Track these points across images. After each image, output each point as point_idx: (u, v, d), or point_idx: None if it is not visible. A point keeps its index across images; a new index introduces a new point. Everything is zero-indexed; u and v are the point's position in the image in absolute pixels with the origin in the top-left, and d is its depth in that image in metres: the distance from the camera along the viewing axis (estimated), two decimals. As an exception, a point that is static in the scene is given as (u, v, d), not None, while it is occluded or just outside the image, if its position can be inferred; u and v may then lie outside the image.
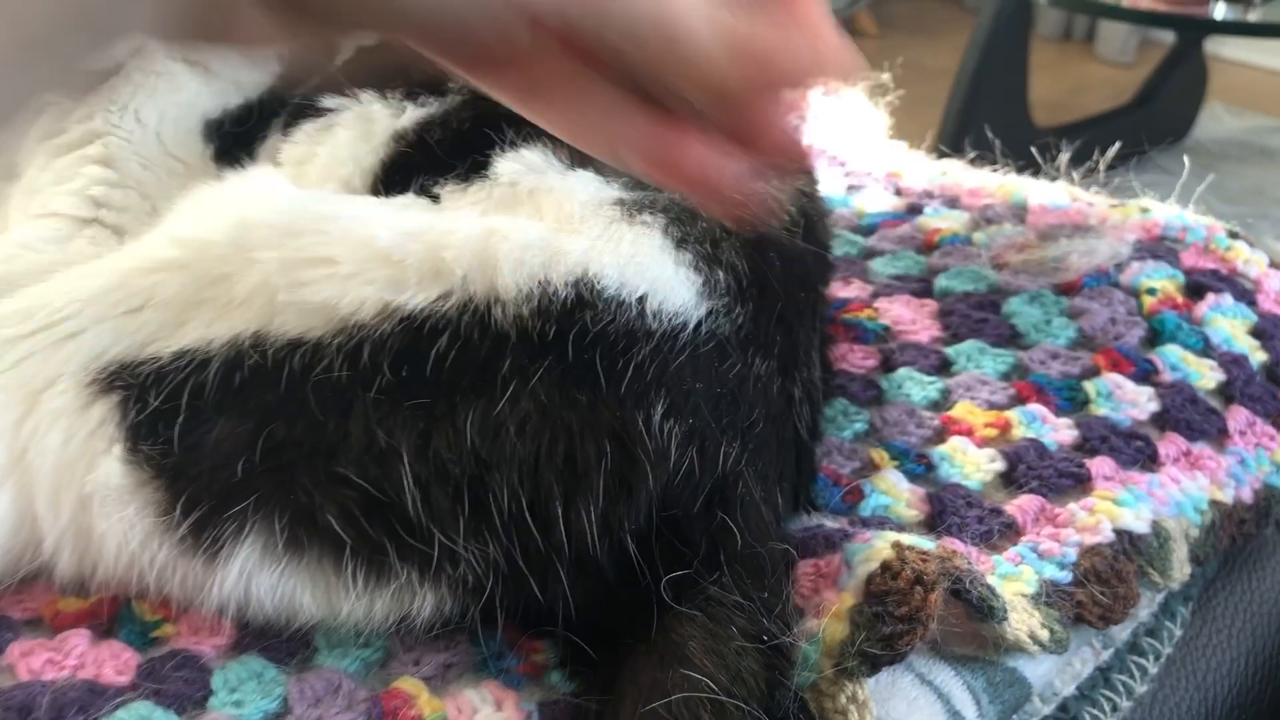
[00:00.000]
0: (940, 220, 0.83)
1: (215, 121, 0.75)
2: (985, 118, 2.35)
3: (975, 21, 2.41)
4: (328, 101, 0.70)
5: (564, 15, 0.25)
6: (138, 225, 0.69)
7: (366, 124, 0.68)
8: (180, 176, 0.72)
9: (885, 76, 0.96)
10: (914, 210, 0.86)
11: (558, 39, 0.25)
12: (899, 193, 0.90)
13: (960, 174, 0.90)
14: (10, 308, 0.52)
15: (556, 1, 0.25)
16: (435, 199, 0.59)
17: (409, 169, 0.63)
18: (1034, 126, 2.40)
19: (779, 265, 0.57)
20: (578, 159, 0.59)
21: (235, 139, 0.74)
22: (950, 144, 1.21)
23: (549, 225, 0.54)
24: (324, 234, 0.51)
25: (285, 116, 0.74)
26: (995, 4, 2.31)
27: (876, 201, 0.89)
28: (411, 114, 0.67)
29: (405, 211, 0.56)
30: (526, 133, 0.60)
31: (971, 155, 0.96)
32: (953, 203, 0.87)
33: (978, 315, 0.72)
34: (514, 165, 0.58)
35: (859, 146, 0.96)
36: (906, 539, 0.49)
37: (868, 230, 0.84)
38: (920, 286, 0.76)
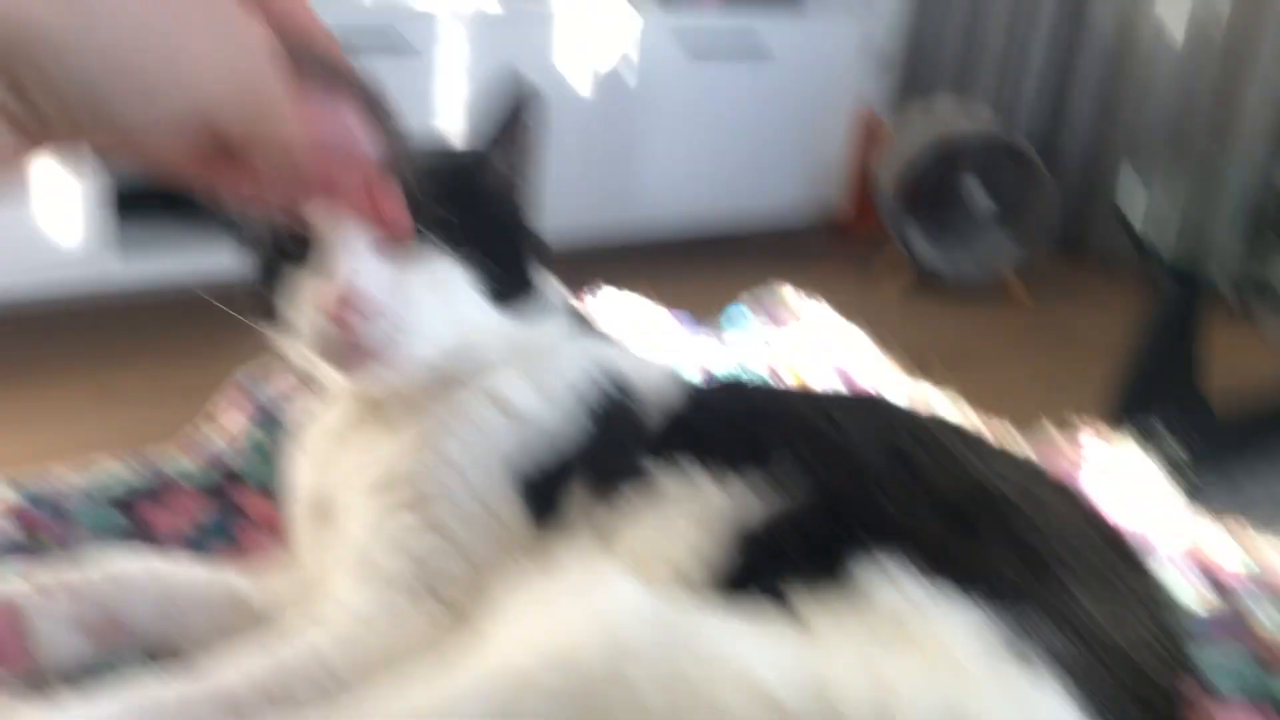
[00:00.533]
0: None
1: (519, 467, 0.75)
2: (1155, 399, 2.29)
3: (1142, 293, 2.36)
4: (657, 472, 0.71)
5: (229, 135, 0.37)
6: (468, 599, 0.69)
7: (703, 508, 0.67)
8: (499, 538, 0.72)
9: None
10: (1238, 611, 0.79)
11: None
12: (1214, 585, 0.82)
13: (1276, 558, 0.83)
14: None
15: (226, 123, 0.36)
16: (786, 600, 0.58)
17: (755, 565, 0.62)
18: (1210, 414, 2.31)
19: None
20: (935, 568, 0.57)
21: (540, 490, 0.74)
22: (1116, 425, 1.16)
23: (937, 672, 0.51)
24: (709, 675, 0.50)
25: (595, 475, 0.74)
26: (1169, 281, 2.25)
27: (1187, 593, 0.81)
28: (749, 498, 0.66)
29: (781, 643, 0.54)
30: (874, 527, 0.60)
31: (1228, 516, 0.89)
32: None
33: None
34: (883, 587, 0.57)
35: (1147, 512, 0.91)
36: None
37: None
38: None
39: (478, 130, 0.74)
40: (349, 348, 0.67)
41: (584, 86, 2.92)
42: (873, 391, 1.08)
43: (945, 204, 3.85)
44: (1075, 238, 3.79)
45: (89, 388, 2.13)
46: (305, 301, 0.68)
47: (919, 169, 3.29)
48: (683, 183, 3.21)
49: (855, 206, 3.66)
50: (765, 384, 0.93)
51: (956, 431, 0.75)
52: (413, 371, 0.72)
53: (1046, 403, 2.35)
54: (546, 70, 2.83)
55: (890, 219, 3.27)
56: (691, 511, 0.68)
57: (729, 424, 0.75)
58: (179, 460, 0.89)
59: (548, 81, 2.81)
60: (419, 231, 0.68)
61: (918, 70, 3.91)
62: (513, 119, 0.74)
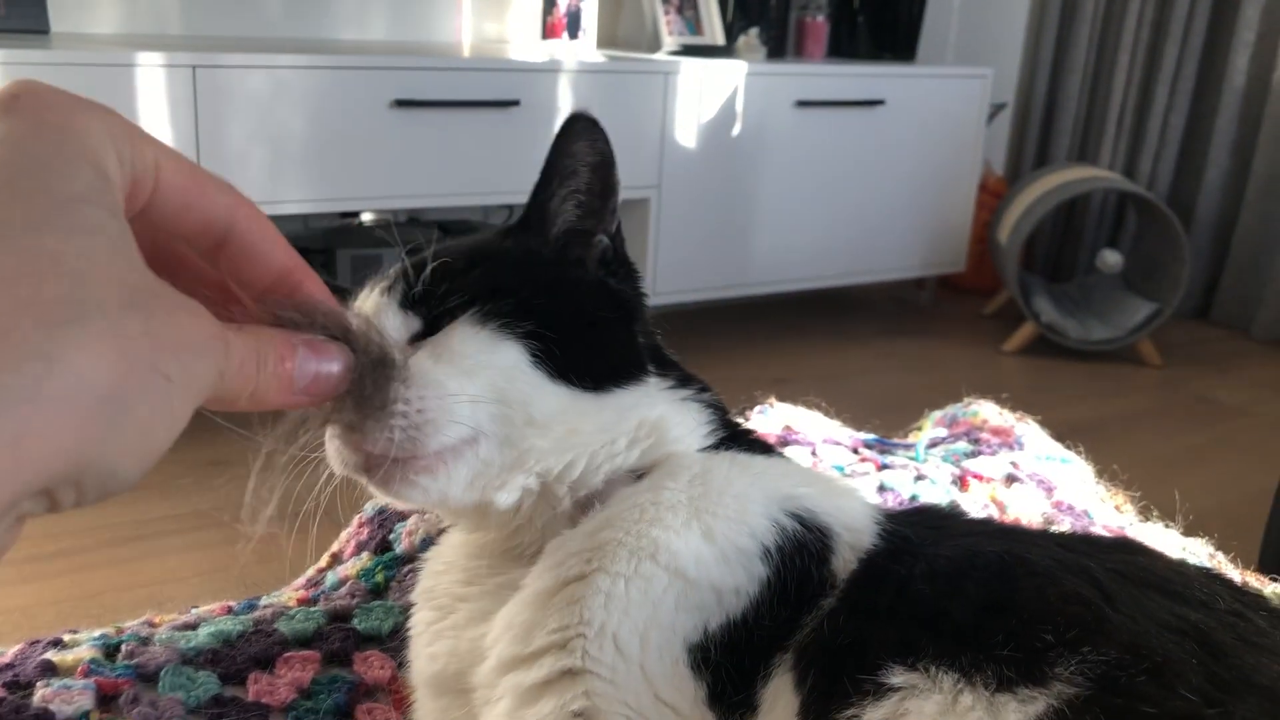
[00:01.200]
0: None
1: (698, 647, 0.58)
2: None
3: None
4: (894, 677, 0.55)
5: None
6: None
7: None
8: None
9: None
10: None
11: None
12: None
13: None
14: None
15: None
16: None
17: None
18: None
19: None
20: None
21: (727, 674, 0.59)
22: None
23: None
24: None
25: (798, 663, 0.58)
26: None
27: None
28: (1016, 714, 0.50)
29: None
30: None
31: None
32: None
33: None
34: None
35: None
36: None
37: None
38: None
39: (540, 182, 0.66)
40: (364, 458, 0.57)
41: (690, 138, 2.80)
42: (1120, 532, 0.90)
43: (1070, 261, 3.67)
44: (1207, 301, 3.58)
45: (196, 458, 2.06)
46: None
47: (1042, 225, 3.13)
48: (792, 236, 3.06)
49: (972, 263, 3.49)
50: (987, 522, 0.76)
51: (1240, 594, 0.59)
52: (461, 476, 0.59)
53: (1187, 480, 2.21)
54: (651, 122, 2.72)
55: (1011, 277, 3.10)
56: None
57: (956, 588, 0.58)
58: (288, 610, 0.76)
59: (654, 133, 2.74)
60: (440, 310, 0.60)
61: (1039, 124, 3.73)
62: (566, 158, 0.65)
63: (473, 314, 0.59)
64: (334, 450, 0.57)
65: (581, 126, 0.65)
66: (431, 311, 0.60)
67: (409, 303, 0.60)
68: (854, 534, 0.63)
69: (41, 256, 0.32)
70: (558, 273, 0.65)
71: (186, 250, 0.43)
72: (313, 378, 0.42)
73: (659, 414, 0.65)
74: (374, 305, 0.61)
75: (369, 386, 0.49)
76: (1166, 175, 3.54)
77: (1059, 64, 3.68)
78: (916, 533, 0.65)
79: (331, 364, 0.44)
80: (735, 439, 0.69)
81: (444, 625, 0.65)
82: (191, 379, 0.35)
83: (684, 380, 0.68)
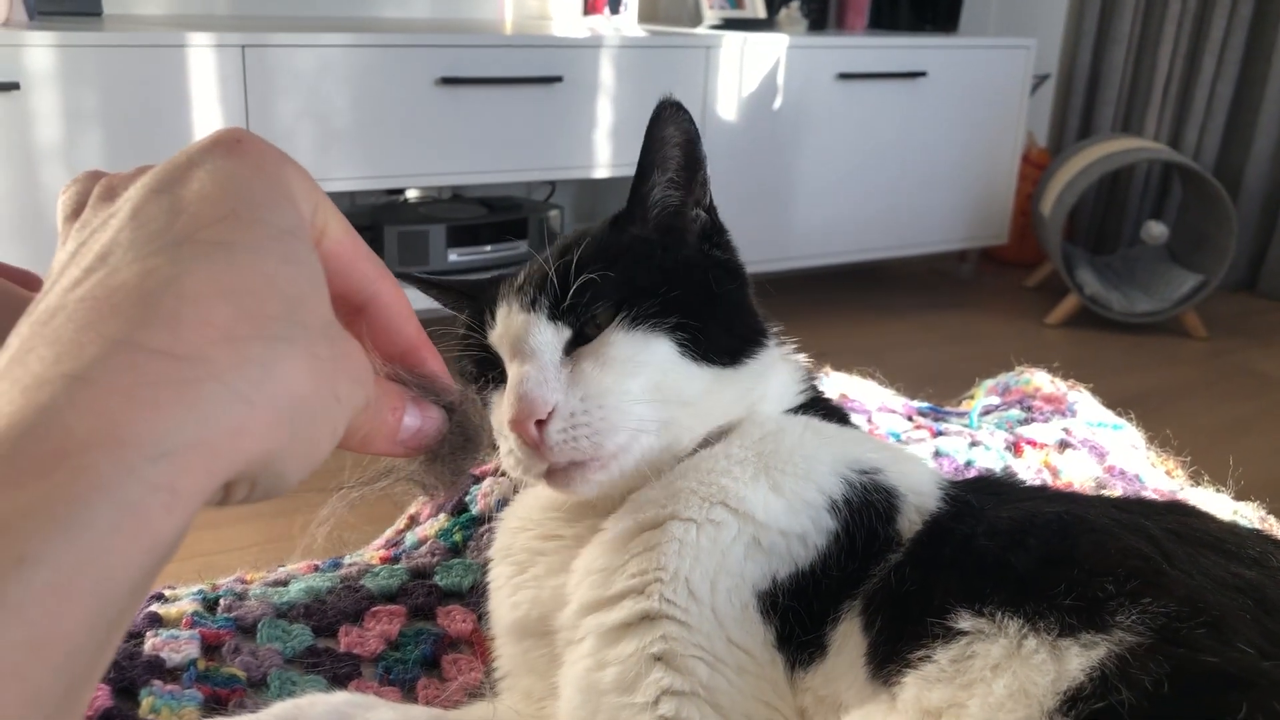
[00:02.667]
0: None
1: (767, 594, 0.61)
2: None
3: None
4: (962, 621, 0.57)
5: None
6: None
7: (1024, 669, 0.53)
8: (750, 676, 0.59)
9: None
10: None
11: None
12: None
13: None
14: None
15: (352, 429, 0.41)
16: None
17: None
18: None
19: None
20: None
21: (796, 617, 0.62)
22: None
23: None
24: None
25: (866, 609, 0.61)
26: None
27: None
28: (1078, 659, 0.52)
29: None
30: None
31: None
32: None
33: None
34: None
35: None
36: None
37: None
38: None
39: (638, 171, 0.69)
40: (543, 462, 0.63)
41: (731, 112, 2.80)
42: (1172, 496, 0.92)
43: (1114, 233, 3.64)
44: (1254, 273, 3.53)
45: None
46: (498, 420, 0.64)
47: (1085, 196, 3.10)
48: (833, 209, 3.07)
49: (1015, 235, 3.47)
50: (1044, 488, 0.78)
51: None
52: (629, 466, 0.64)
53: (1234, 450, 2.20)
54: (693, 96, 2.73)
55: (1054, 249, 3.08)
56: (1006, 666, 0.54)
57: (1018, 542, 0.60)
58: (372, 567, 0.80)
59: (695, 108, 2.74)
60: (588, 317, 0.64)
61: (1082, 95, 3.69)
62: (660, 145, 0.68)
63: (622, 319, 0.64)
64: (513, 460, 0.64)
65: (668, 113, 0.67)
66: (580, 320, 0.64)
67: (557, 314, 0.65)
68: (919, 497, 0.66)
69: (261, 276, 0.35)
70: (674, 258, 0.69)
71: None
72: (413, 433, 0.46)
73: (770, 376, 0.71)
74: (523, 322, 0.65)
75: (446, 453, 0.52)
76: (1213, 145, 3.49)
77: (1103, 34, 3.63)
78: (978, 498, 0.67)
79: (431, 424, 0.48)
80: (815, 404, 0.73)
81: (524, 578, 0.68)
82: (351, 404, 0.39)
83: (780, 337, 0.75)
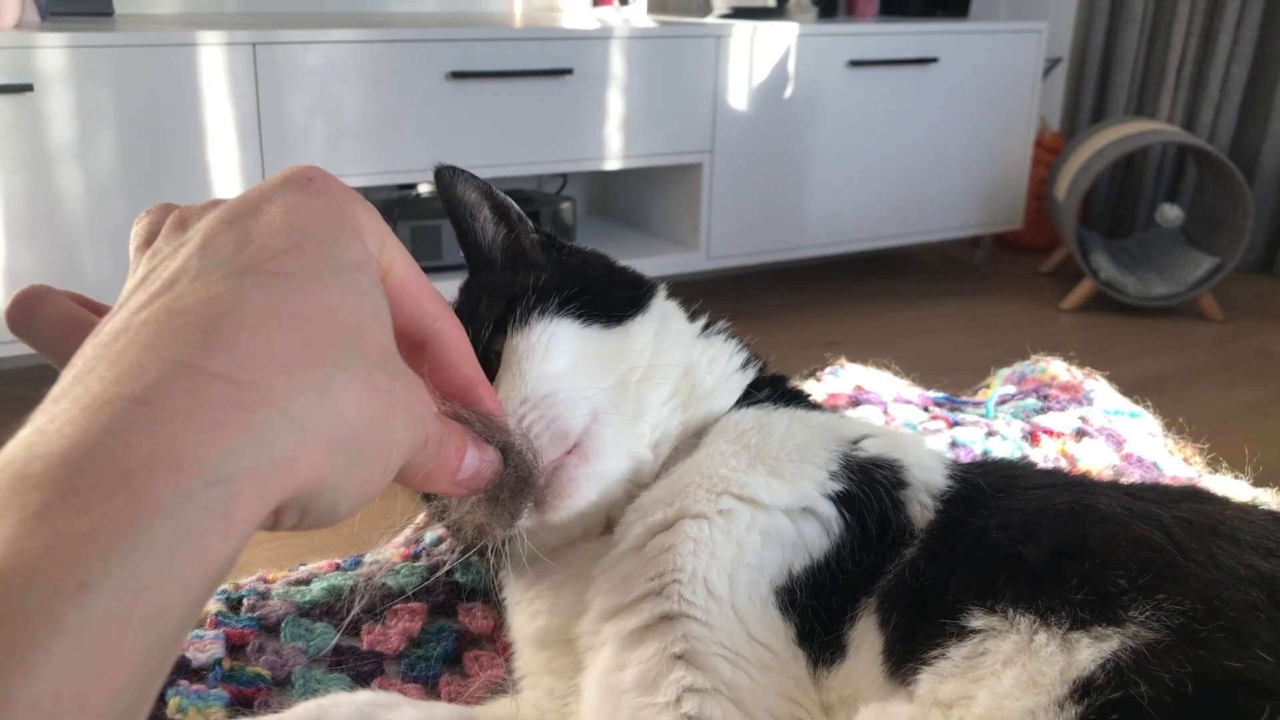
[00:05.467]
0: None
1: (785, 589, 0.61)
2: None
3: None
4: (974, 620, 0.57)
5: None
6: None
7: (1033, 661, 0.53)
8: (772, 672, 0.59)
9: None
10: None
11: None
12: None
13: None
14: None
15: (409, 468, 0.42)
16: None
17: None
18: None
19: None
20: None
21: (815, 615, 0.62)
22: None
23: None
24: None
25: (881, 606, 0.61)
26: None
27: None
28: (1089, 650, 0.53)
29: None
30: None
31: None
32: None
33: None
34: None
35: None
36: None
37: None
38: None
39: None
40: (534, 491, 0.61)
41: (742, 101, 2.80)
42: (1190, 483, 0.92)
43: (1129, 217, 3.62)
44: (1271, 255, 3.51)
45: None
46: None
47: (1099, 180, 3.08)
48: (845, 197, 3.06)
49: (1029, 220, 3.46)
50: (1055, 473, 0.78)
51: None
52: (608, 449, 0.65)
53: (1252, 434, 2.19)
54: (703, 86, 2.72)
55: (1068, 233, 3.07)
56: (1015, 659, 0.54)
57: (1030, 534, 0.60)
58: (393, 565, 0.80)
59: (706, 98, 2.74)
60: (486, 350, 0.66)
61: (1095, 78, 3.67)
62: (458, 204, 0.73)
63: (513, 325, 0.66)
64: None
65: (447, 177, 0.72)
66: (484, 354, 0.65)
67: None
68: (925, 472, 0.66)
69: (322, 306, 0.36)
70: (529, 270, 0.71)
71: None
72: (473, 473, 0.47)
73: (688, 358, 0.73)
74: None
75: (505, 496, 0.53)
76: (1228, 127, 3.46)
77: (1115, 15, 3.60)
78: (988, 480, 0.67)
79: (489, 466, 0.48)
80: (773, 382, 0.75)
81: (541, 588, 0.68)
82: (409, 440, 0.40)
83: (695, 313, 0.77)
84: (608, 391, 0.66)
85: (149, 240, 0.40)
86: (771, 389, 0.74)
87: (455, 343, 0.47)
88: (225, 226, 0.37)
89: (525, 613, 0.69)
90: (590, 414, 0.64)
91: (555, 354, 0.65)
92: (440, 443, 0.43)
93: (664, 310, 0.74)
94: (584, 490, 0.64)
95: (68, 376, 0.33)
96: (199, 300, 0.34)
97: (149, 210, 0.43)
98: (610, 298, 0.70)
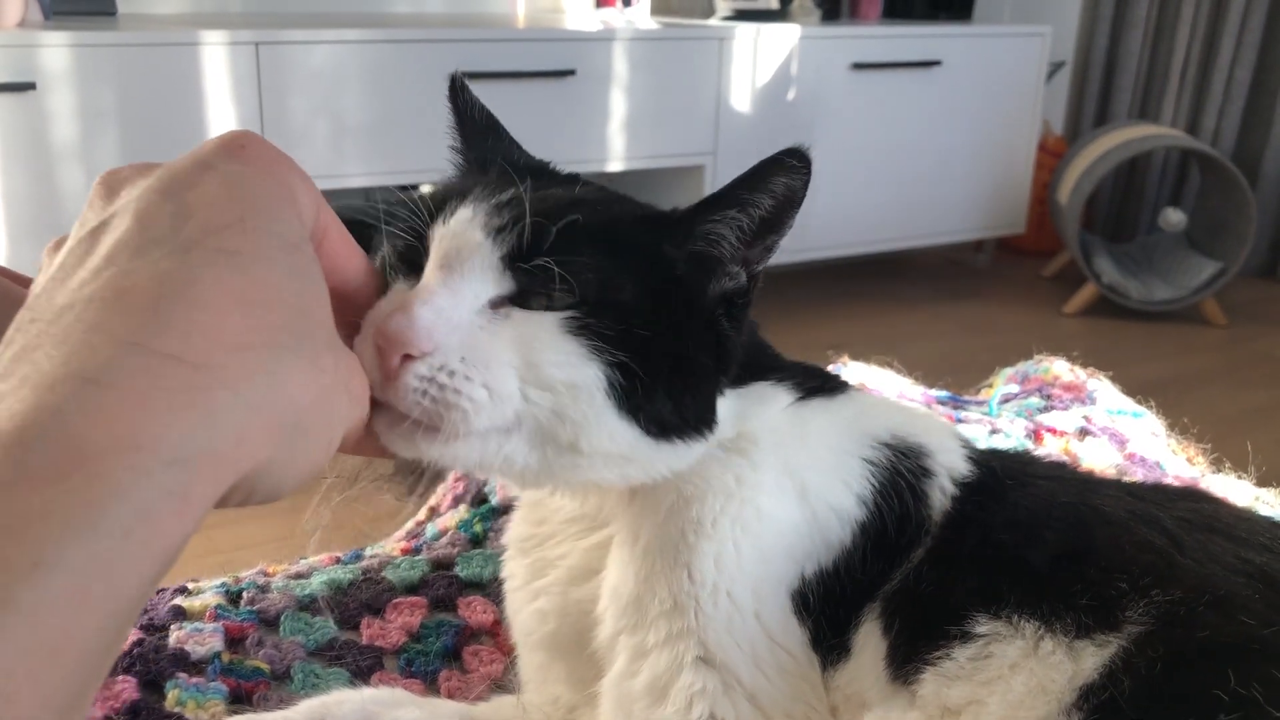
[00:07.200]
0: None
1: (799, 594, 0.60)
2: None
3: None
4: (979, 626, 0.57)
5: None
6: None
7: (1041, 668, 0.53)
8: (790, 676, 0.59)
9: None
10: None
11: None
12: None
13: None
14: None
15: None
16: None
17: None
18: None
19: None
20: None
21: (828, 619, 0.60)
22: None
23: None
24: None
25: (885, 610, 0.61)
26: None
27: None
28: (1093, 658, 0.52)
29: None
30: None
31: None
32: None
33: None
34: None
35: None
36: None
37: None
38: None
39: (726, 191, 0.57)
40: (382, 394, 0.49)
41: (745, 103, 2.80)
42: (1194, 484, 0.91)
43: (1132, 221, 3.62)
44: (1274, 259, 3.51)
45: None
46: (369, 320, 0.50)
47: (1102, 184, 3.08)
48: (848, 200, 3.05)
49: (1032, 224, 3.46)
50: (1062, 465, 0.77)
51: None
52: (475, 459, 0.53)
53: (1254, 438, 2.18)
54: (706, 88, 2.72)
55: (1071, 237, 3.06)
56: (1022, 665, 0.54)
57: (1035, 536, 0.60)
58: (393, 559, 0.80)
59: (709, 100, 2.74)
60: (541, 290, 0.52)
61: (1099, 82, 3.67)
62: (760, 189, 0.56)
63: (570, 319, 0.52)
64: (366, 360, 0.49)
65: (793, 163, 0.56)
66: (531, 286, 0.52)
67: (514, 262, 0.52)
68: (948, 454, 0.65)
69: (270, 287, 0.36)
70: (676, 297, 0.56)
71: None
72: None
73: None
74: (474, 246, 0.52)
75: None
76: (1231, 131, 3.46)
77: (1119, 19, 3.60)
78: (1002, 465, 0.67)
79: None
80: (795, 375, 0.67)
81: (544, 583, 0.66)
82: (349, 417, 0.41)
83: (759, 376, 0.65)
84: (539, 436, 0.53)
85: None
86: (796, 384, 0.66)
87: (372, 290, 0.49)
88: (160, 198, 0.36)
89: (530, 609, 0.67)
90: (487, 424, 0.52)
91: (552, 383, 0.53)
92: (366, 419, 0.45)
93: (683, 459, 0.59)
94: (417, 455, 0.52)
95: (7, 354, 0.32)
96: (146, 279, 0.33)
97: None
98: (664, 406, 0.56)
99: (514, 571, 0.69)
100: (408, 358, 0.48)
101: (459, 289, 0.51)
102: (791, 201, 0.57)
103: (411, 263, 0.54)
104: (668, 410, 0.55)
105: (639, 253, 0.56)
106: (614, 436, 0.54)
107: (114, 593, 0.29)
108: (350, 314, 0.49)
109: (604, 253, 0.54)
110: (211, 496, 0.32)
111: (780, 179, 0.56)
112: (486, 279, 0.52)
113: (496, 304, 0.52)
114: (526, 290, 0.52)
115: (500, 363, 0.51)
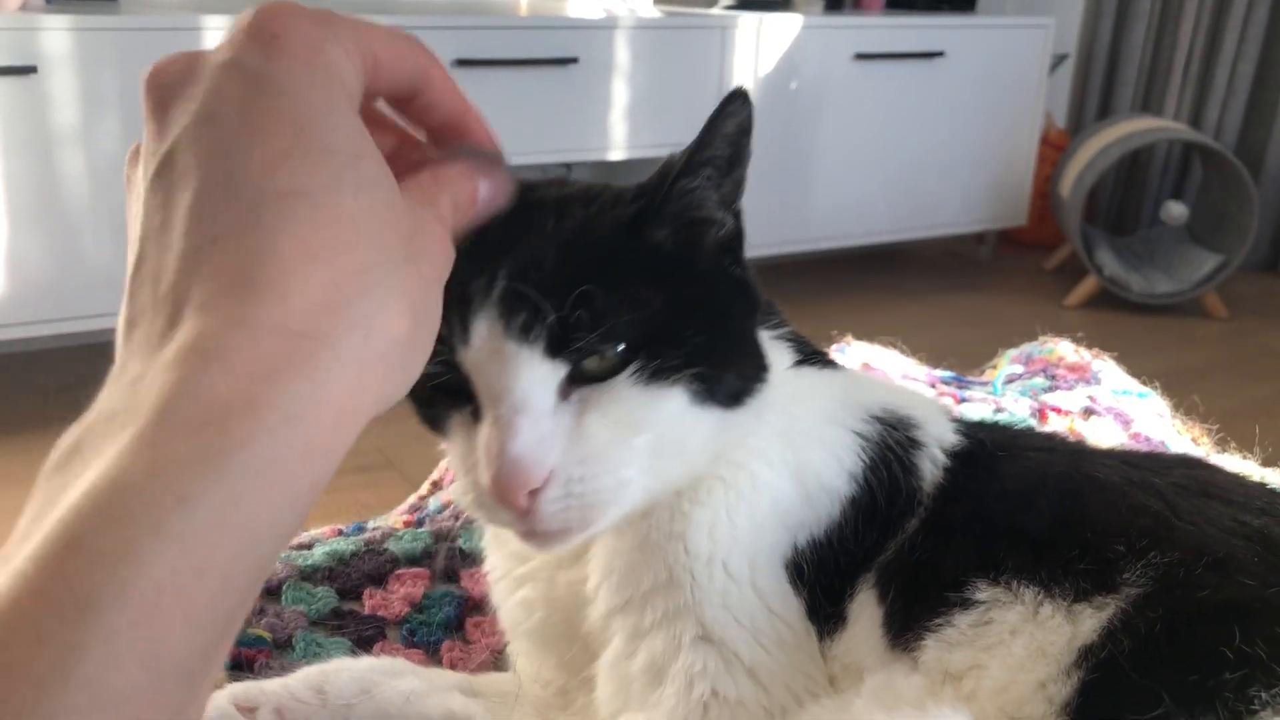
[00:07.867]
0: None
1: (793, 564, 0.60)
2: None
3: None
4: (979, 592, 0.57)
5: None
6: None
7: (1041, 632, 0.53)
8: (789, 647, 0.59)
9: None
10: None
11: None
12: None
13: None
14: None
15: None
16: None
17: (1106, 700, 0.49)
18: None
19: None
20: None
21: (823, 589, 0.60)
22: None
23: None
24: None
25: (880, 580, 0.60)
26: None
27: None
28: (1091, 620, 0.52)
29: None
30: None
31: None
32: None
33: None
34: None
35: None
36: None
37: None
38: None
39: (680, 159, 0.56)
40: (524, 525, 0.53)
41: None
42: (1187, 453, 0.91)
43: (1134, 214, 3.61)
44: (1276, 253, 3.50)
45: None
46: (462, 456, 0.54)
47: (1104, 177, 3.08)
48: (850, 191, 3.05)
49: (1034, 217, 3.45)
50: (1053, 436, 0.77)
51: None
52: (612, 525, 0.57)
53: (1263, 432, 2.18)
54: (709, 78, 2.72)
55: (1073, 230, 3.06)
56: (1022, 629, 0.54)
57: (1029, 504, 0.60)
58: (396, 531, 0.80)
59: (711, 89, 2.73)
60: (593, 352, 0.52)
61: (1101, 75, 3.66)
62: (716, 140, 0.55)
63: (637, 374, 0.53)
64: (475, 505, 0.54)
65: (735, 106, 0.55)
66: (582, 355, 0.52)
67: (555, 347, 0.51)
68: (937, 426, 0.65)
69: (342, 220, 0.36)
70: (692, 274, 0.57)
71: (372, 106, 0.46)
72: (490, 198, 0.47)
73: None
74: (511, 357, 0.51)
75: None
76: (1234, 125, 3.45)
77: (1123, 12, 3.59)
78: (992, 437, 0.67)
79: (503, 184, 0.48)
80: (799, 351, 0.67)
81: (528, 569, 0.66)
82: (441, 284, 0.41)
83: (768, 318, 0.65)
84: (655, 475, 0.56)
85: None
86: (793, 346, 0.67)
87: (441, 79, 0.45)
88: (213, 136, 0.36)
89: (515, 598, 0.66)
90: (628, 500, 0.55)
91: (646, 429, 0.54)
92: (459, 199, 0.45)
93: (760, 405, 0.60)
94: (555, 550, 0.59)
95: (120, 336, 0.36)
96: (233, 253, 0.35)
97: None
98: (734, 380, 0.58)
99: (495, 563, 0.68)
100: (533, 492, 0.51)
101: (529, 406, 0.51)
102: (745, 132, 0.56)
103: (459, 392, 0.53)
104: (737, 380, 0.58)
105: (641, 257, 0.55)
106: (706, 424, 0.57)
107: (249, 526, 0.32)
108: (409, 105, 0.46)
109: (619, 285, 0.53)
110: (336, 443, 0.35)
111: (731, 121, 0.55)
112: (544, 379, 0.52)
113: (564, 393, 0.52)
114: (577, 363, 0.52)
115: (608, 444, 0.53)
